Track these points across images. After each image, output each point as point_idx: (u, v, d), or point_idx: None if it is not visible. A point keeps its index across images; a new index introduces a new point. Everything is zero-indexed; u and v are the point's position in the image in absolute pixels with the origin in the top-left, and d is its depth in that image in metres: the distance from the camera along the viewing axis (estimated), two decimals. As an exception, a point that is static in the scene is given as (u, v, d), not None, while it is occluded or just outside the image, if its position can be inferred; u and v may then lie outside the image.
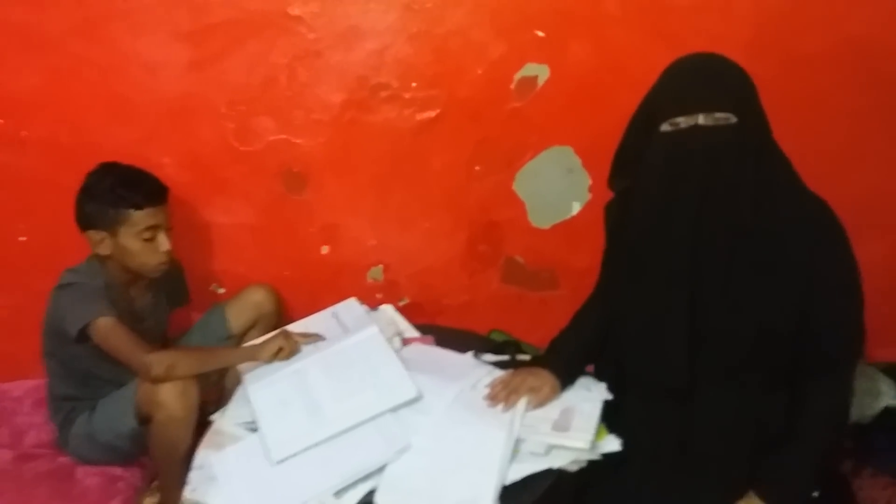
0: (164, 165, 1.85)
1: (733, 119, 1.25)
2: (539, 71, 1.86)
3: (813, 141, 1.72)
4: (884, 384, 1.97)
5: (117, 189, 1.62)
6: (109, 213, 1.62)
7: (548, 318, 1.67)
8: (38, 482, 1.71)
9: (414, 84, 1.87)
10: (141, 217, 1.63)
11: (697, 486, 1.36)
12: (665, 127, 1.28)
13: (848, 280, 1.32)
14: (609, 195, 1.55)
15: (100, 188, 1.63)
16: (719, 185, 1.26)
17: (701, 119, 1.25)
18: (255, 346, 1.63)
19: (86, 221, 1.64)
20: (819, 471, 1.33)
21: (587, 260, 1.67)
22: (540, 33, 1.82)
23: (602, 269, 1.57)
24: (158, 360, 1.52)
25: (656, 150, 1.31)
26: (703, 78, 1.28)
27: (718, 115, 1.24)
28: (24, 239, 1.99)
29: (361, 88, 1.87)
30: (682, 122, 1.26)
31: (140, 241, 1.64)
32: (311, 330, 1.70)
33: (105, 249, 1.65)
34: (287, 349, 1.58)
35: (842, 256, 1.31)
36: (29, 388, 2.01)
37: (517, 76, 1.86)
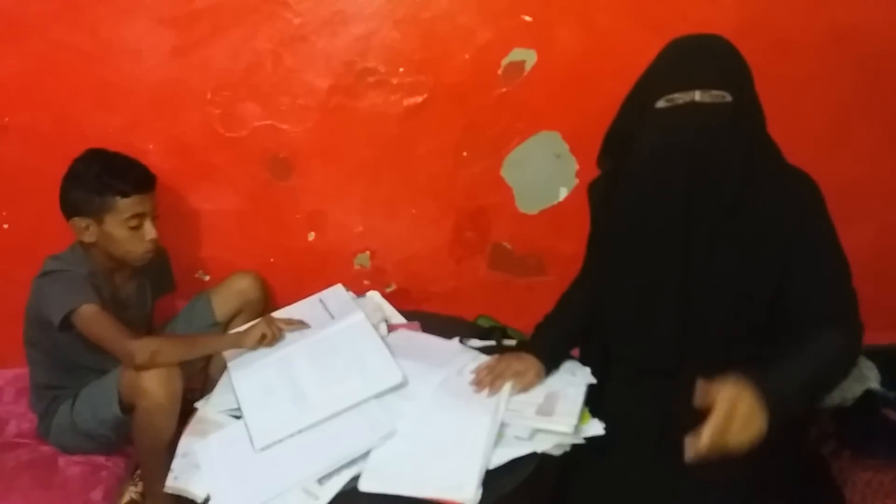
0: (149, 152, 1.84)
1: (729, 98, 1.26)
2: (526, 56, 1.85)
3: (799, 126, 1.72)
4: (866, 368, 1.98)
5: (104, 176, 1.60)
6: (95, 201, 1.60)
7: (535, 304, 1.67)
8: (20, 471, 1.69)
9: (401, 69, 1.86)
10: (127, 205, 1.61)
11: (680, 468, 1.37)
12: (661, 103, 1.29)
13: (828, 241, 1.32)
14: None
15: (86, 175, 1.61)
16: (711, 163, 1.27)
17: (698, 95, 1.26)
18: (239, 332, 1.63)
19: (71, 208, 1.63)
20: (811, 395, 1.26)
21: (574, 246, 1.67)
22: (527, 18, 1.82)
23: (587, 250, 1.58)
24: (142, 347, 1.51)
25: (651, 127, 1.32)
26: (701, 56, 1.29)
27: (715, 92, 1.26)
28: (6, 227, 1.97)
29: (348, 74, 1.86)
30: (679, 97, 1.27)
31: (126, 229, 1.62)
32: (297, 317, 1.70)
33: (90, 237, 1.63)
34: (270, 336, 1.58)
35: (820, 222, 1.32)
36: (10, 377, 1.99)
37: (504, 61, 1.86)
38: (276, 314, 1.75)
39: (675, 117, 1.28)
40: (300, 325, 1.63)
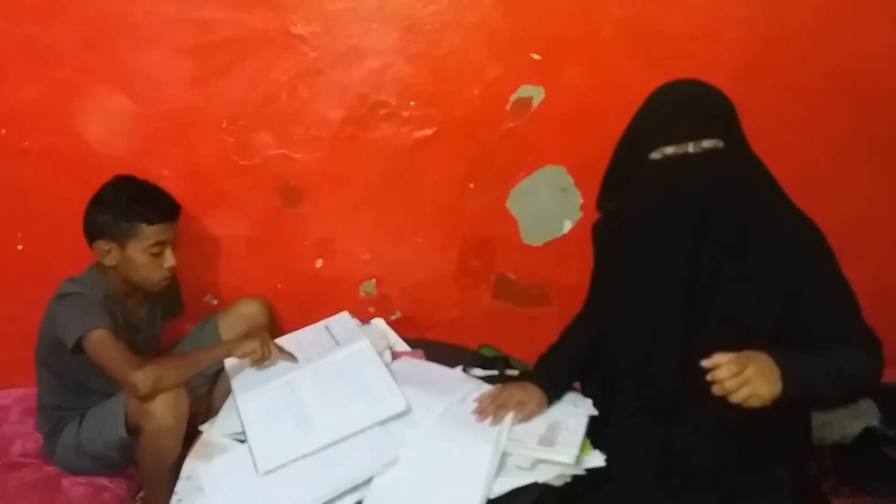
0: (164, 178, 1.87)
1: (720, 144, 1.28)
2: (534, 92, 1.89)
3: (800, 166, 1.75)
4: (865, 405, 1.99)
5: (133, 203, 1.64)
6: (122, 226, 1.64)
7: (538, 335, 1.69)
8: (24, 492, 1.70)
9: (412, 103, 1.90)
10: (152, 232, 1.65)
11: (681, 502, 1.38)
12: (655, 155, 1.31)
13: (835, 273, 1.33)
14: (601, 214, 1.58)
15: (116, 200, 1.65)
16: (712, 209, 1.29)
17: (690, 148, 1.28)
18: (233, 342, 1.66)
19: (96, 231, 1.66)
20: (826, 382, 1.21)
21: (577, 277, 1.70)
22: (536, 56, 1.86)
23: (591, 287, 1.60)
24: (144, 380, 1.51)
25: (647, 177, 1.34)
26: (688, 108, 1.31)
27: (706, 142, 1.28)
28: (21, 248, 2.01)
29: (361, 106, 1.90)
30: (672, 150, 1.29)
31: (148, 256, 1.66)
32: (303, 342, 1.72)
33: (111, 260, 1.66)
34: (260, 355, 1.60)
35: (825, 256, 1.33)
36: (17, 396, 2.01)
37: (513, 97, 1.90)
38: (283, 339, 1.77)
39: (671, 167, 1.30)
40: (291, 358, 1.65)
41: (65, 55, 1.83)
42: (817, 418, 1.87)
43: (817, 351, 1.22)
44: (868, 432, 1.95)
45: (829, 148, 1.95)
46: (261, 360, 1.61)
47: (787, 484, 1.39)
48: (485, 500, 1.26)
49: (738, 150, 1.32)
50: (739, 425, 1.36)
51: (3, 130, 1.89)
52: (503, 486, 1.30)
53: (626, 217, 1.43)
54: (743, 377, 1.12)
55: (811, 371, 1.20)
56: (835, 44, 1.86)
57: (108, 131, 1.89)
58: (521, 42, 1.85)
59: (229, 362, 1.66)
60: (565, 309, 1.70)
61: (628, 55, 1.85)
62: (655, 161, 1.31)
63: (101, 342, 1.56)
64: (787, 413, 1.38)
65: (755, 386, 1.13)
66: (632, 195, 1.39)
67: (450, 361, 1.69)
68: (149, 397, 1.53)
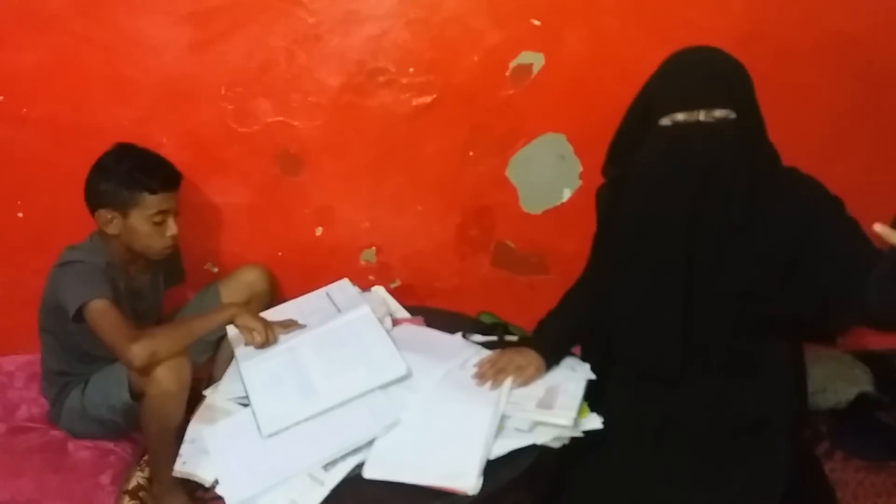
0: (163, 145, 1.87)
1: (732, 115, 1.27)
2: (534, 59, 1.89)
3: (799, 132, 1.75)
4: (859, 370, 2.02)
5: (135, 172, 1.64)
6: (124, 195, 1.64)
7: (536, 302, 1.70)
8: (31, 455, 1.74)
9: (411, 69, 1.89)
10: (154, 201, 1.65)
11: (677, 466, 1.40)
12: (665, 121, 1.31)
13: (846, 216, 1.31)
14: (599, 183, 1.58)
15: (118, 169, 1.65)
16: (717, 180, 1.29)
17: (702, 116, 1.28)
18: (228, 309, 1.64)
19: (97, 199, 1.66)
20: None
21: (576, 245, 1.71)
22: (536, 22, 1.85)
23: (591, 253, 1.60)
24: (139, 353, 1.50)
25: (655, 143, 1.33)
26: (703, 75, 1.30)
27: (718, 111, 1.27)
28: (21, 215, 2.01)
29: (359, 73, 1.89)
30: (683, 117, 1.29)
31: (150, 224, 1.66)
32: (305, 309, 1.74)
33: (114, 229, 1.67)
34: (263, 338, 1.57)
35: (835, 205, 1.32)
36: (21, 363, 2.04)
37: (512, 64, 1.89)
38: (284, 306, 1.79)
39: (680, 134, 1.29)
40: (294, 325, 1.65)
41: (61, 21, 1.81)
42: (812, 384, 1.90)
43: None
44: (862, 398, 1.99)
45: (828, 114, 1.95)
46: (263, 345, 1.58)
47: (783, 449, 1.41)
48: (484, 461, 1.29)
49: (749, 123, 1.31)
50: (737, 390, 1.39)
51: (1, 97, 1.89)
52: (502, 448, 1.32)
53: (630, 183, 1.43)
54: None
55: None
56: (834, 11, 1.85)
57: (106, 98, 1.88)
58: (521, 8, 1.84)
59: (232, 330, 1.67)
60: (564, 277, 1.71)
61: (630, 22, 1.84)
62: (664, 127, 1.31)
63: (102, 312, 1.56)
64: (785, 379, 1.42)
65: None
66: (637, 161, 1.39)
67: (449, 328, 1.70)
68: (145, 371, 1.54)
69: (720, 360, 1.38)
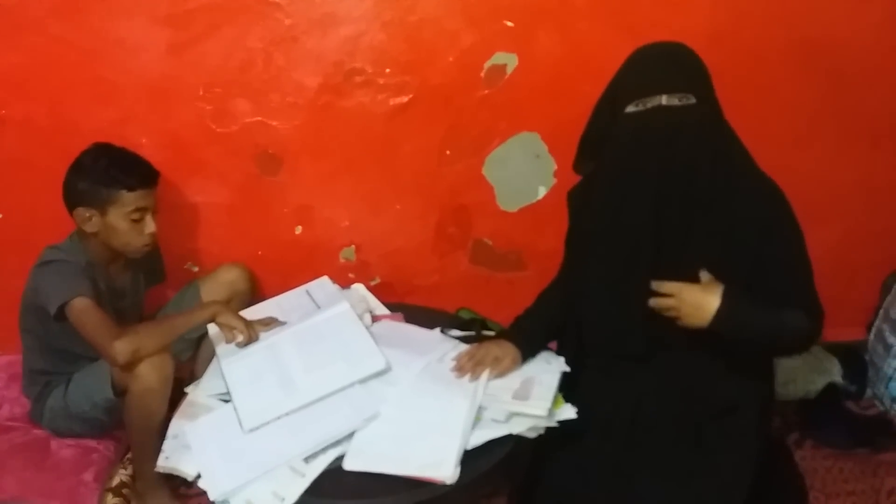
0: (143, 146, 1.87)
1: (692, 99, 1.35)
2: (508, 60, 1.92)
3: (767, 131, 1.81)
4: (828, 362, 2.08)
5: (112, 170, 1.65)
6: (102, 192, 1.65)
7: (514, 298, 1.73)
8: (13, 454, 1.74)
9: (387, 70, 1.92)
10: (132, 198, 1.66)
11: (649, 454, 1.44)
12: (630, 108, 1.38)
13: (795, 240, 1.41)
14: (573, 181, 1.62)
15: (94, 168, 1.66)
16: (680, 160, 1.36)
17: (664, 99, 1.35)
18: (210, 307, 1.65)
19: (75, 198, 1.67)
20: (758, 329, 1.34)
21: (552, 242, 1.74)
22: (509, 23, 1.88)
23: (565, 251, 1.65)
24: (123, 350, 1.51)
25: (622, 129, 1.40)
26: (664, 62, 1.39)
27: (679, 95, 1.34)
28: (1, 216, 2.01)
29: (336, 73, 1.91)
30: (647, 101, 1.36)
31: (128, 222, 1.68)
32: (284, 306, 1.75)
33: (92, 227, 1.68)
34: (241, 338, 1.58)
35: (787, 222, 1.41)
36: (2, 363, 2.04)
37: (487, 64, 1.92)
38: (264, 304, 1.80)
39: (644, 119, 1.36)
40: (276, 323, 1.67)
41: (39, 23, 1.81)
42: (783, 375, 1.96)
43: (766, 305, 1.33)
44: (831, 388, 2.05)
45: (795, 114, 2.00)
46: (244, 343, 1.59)
47: (751, 431, 1.46)
48: (462, 451, 1.31)
49: (709, 109, 1.38)
50: (706, 373, 1.44)
51: (-20, 100, 1.88)
52: (479, 438, 1.35)
53: (599, 173, 1.49)
54: (675, 302, 1.32)
55: (752, 318, 1.33)
56: (800, 13, 1.91)
57: (85, 99, 1.89)
58: (495, 9, 1.87)
59: (213, 328, 1.68)
60: (541, 273, 1.74)
61: (601, 23, 1.88)
62: (629, 115, 1.38)
63: (84, 310, 1.57)
64: (752, 364, 1.46)
65: (683, 315, 1.33)
66: (606, 149, 1.45)
67: (428, 324, 1.72)
68: (128, 368, 1.55)
69: (685, 338, 1.39)
